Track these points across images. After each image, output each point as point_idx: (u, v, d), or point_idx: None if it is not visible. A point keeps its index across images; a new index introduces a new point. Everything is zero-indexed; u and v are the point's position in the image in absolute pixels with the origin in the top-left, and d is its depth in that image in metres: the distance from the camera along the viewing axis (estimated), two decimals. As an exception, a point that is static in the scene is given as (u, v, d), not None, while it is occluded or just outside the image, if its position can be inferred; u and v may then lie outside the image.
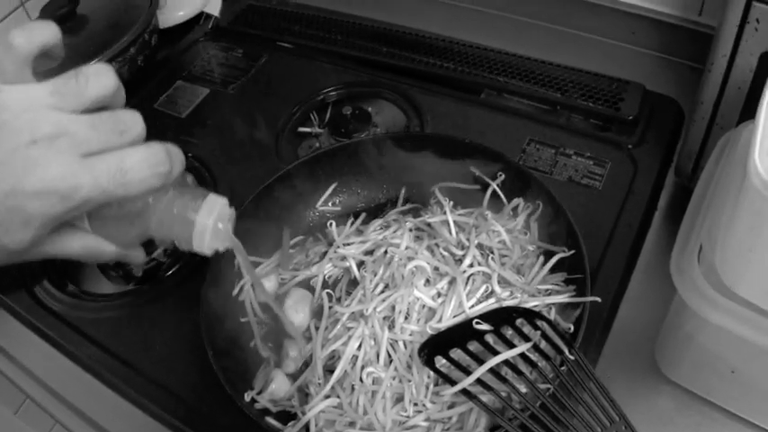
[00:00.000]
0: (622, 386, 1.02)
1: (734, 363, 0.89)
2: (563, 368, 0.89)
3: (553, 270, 1.03)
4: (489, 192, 1.12)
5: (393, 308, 1.00)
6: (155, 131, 1.47)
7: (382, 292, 1.02)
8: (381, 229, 1.14)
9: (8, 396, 1.74)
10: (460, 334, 0.94)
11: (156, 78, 1.70)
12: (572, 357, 0.89)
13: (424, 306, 1.00)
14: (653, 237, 1.20)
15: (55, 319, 1.25)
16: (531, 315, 0.94)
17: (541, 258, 1.05)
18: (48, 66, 0.80)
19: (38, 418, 1.80)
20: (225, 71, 1.68)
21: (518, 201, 1.11)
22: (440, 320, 0.98)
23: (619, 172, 1.26)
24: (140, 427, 1.12)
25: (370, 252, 1.11)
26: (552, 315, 0.98)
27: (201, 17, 1.84)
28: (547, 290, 1.01)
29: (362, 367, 0.96)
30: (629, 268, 1.15)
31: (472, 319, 0.96)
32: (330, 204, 1.24)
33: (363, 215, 1.20)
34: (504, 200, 1.12)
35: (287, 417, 0.99)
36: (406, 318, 0.99)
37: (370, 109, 1.47)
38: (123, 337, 1.20)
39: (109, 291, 1.32)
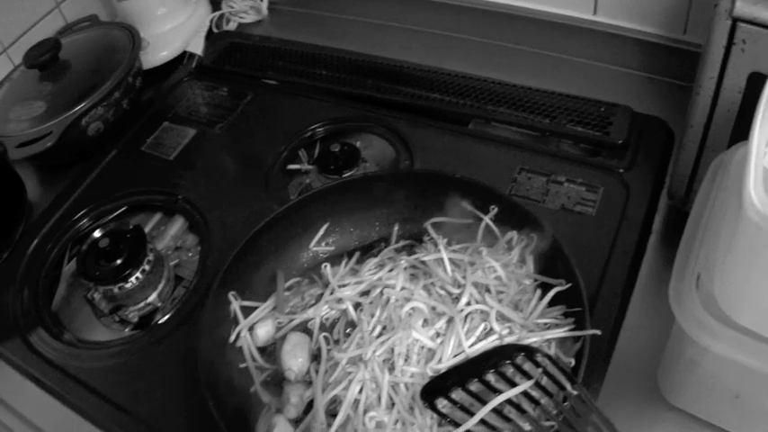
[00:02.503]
0: (626, 415, 1.01)
1: (738, 388, 0.88)
2: (566, 404, 0.88)
3: (551, 303, 1.03)
4: (482, 226, 1.12)
5: (392, 350, 0.99)
6: (143, 175, 1.50)
7: (380, 334, 1.01)
8: (376, 268, 1.13)
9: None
10: (461, 374, 0.94)
11: (141, 121, 1.70)
12: (575, 393, 0.89)
13: (423, 347, 0.99)
14: (649, 261, 1.19)
15: (51, 367, 1.25)
16: (532, 351, 0.94)
17: (538, 292, 1.04)
18: None
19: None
20: (211, 111, 1.67)
21: (512, 234, 1.10)
22: (440, 361, 0.97)
23: (611, 197, 1.26)
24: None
25: (366, 293, 1.10)
26: (552, 350, 0.97)
27: (185, 57, 1.83)
28: (546, 324, 1.01)
29: (365, 411, 0.95)
30: (627, 295, 1.14)
31: (472, 359, 0.96)
32: (323, 244, 1.24)
33: (357, 254, 1.19)
34: (498, 234, 1.11)
35: (291, 465, 0.98)
36: (405, 360, 0.98)
37: (358, 143, 1.46)
38: (121, 384, 1.20)
39: (105, 338, 1.32)
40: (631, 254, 1.17)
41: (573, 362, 0.95)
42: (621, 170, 1.29)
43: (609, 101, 1.41)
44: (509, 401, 0.90)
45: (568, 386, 0.89)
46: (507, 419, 0.88)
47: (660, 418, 1.01)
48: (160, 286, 1.33)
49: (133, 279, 1.28)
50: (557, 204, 1.26)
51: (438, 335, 1.01)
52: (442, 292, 1.06)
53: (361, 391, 0.97)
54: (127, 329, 1.33)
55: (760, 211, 0.66)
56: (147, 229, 1.47)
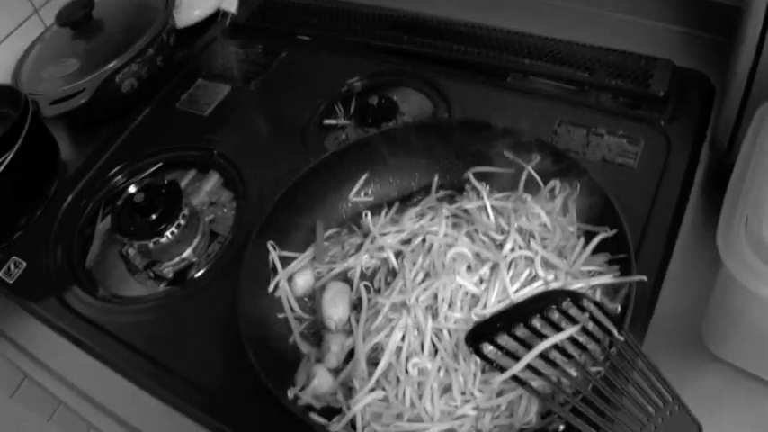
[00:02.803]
0: (668, 365, 0.97)
1: None
2: (612, 350, 0.87)
3: (595, 252, 1.01)
4: (525, 175, 1.10)
5: (435, 296, 0.98)
6: (178, 131, 1.49)
7: (423, 281, 1.00)
8: (417, 217, 1.12)
9: (41, 403, 1.74)
10: (507, 319, 0.93)
11: (176, 78, 1.70)
12: (621, 338, 0.88)
13: (467, 293, 0.98)
14: (691, 213, 1.17)
15: (87, 324, 1.25)
16: (578, 297, 0.92)
17: (582, 240, 1.03)
18: None
19: (71, 424, 1.80)
20: (245, 67, 1.67)
21: (555, 182, 1.09)
22: (484, 307, 0.96)
23: (653, 149, 1.24)
24: (178, 429, 1.12)
25: (407, 241, 1.08)
26: (597, 297, 0.96)
27: (218, 15, 1.83)
28: (590, 271, 0.99)
29: (407, 358, 0.94)
30: (670, 246, 1.13)
31: (518, 304, 0.95)
32: (363, 195, 1.23)
33: (397, 204, 1.19)
34: (541, 182, 1.09)
35: (332, 412, 0.98)
36: (449, 306, 0.97)
37: (395, 98, 1.45)
38: (156, 339, 1.20)
39: (139, 294, 1.32)
40: (674, 205, 1.16)
41: (619, 308, 0.94)
42: (662, 123, 1.27)
43: (649, 55, 1.38)
44: (555, 347, 0.88)
45: (615, 331, 0.88)
46: (554, 365, 0.87)
47: (704, 370, 1.00)
48: (195, 241, 1.33)
49: (168, 234, 1.28)
50: (597, 156, 1.24)
51: (482, 281, 0.99)
52: (486, 239, 1.04)
53: (403, 338, 0.96)
54: (162, 285, 1.33)
55: None
56: (182, 186, 1.45)
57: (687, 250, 1.13)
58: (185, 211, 1.30)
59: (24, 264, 1.38)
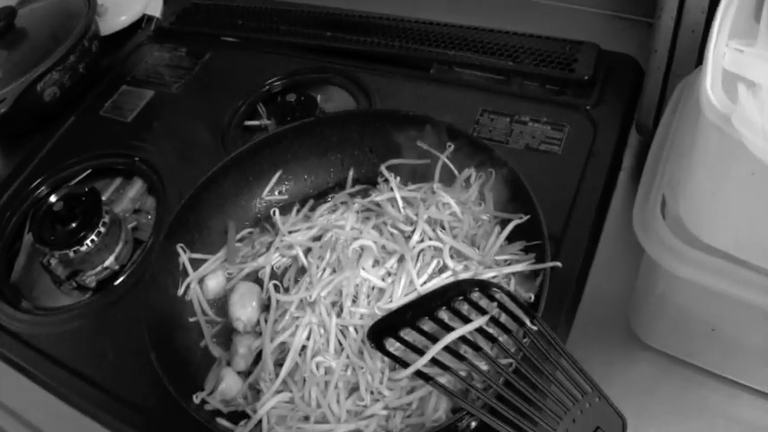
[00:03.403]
0: (599, 357, 0.99)
1: (713, 320, 0.85)
2: (526, 340, 0.84)
3: (513, 240, 0.98)
4: (439, 164, 1.08)
5: (340, 292, 0.95)
6: (102, 139, 1.47)
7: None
8: (329, 212, 1.10)
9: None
10: (412, 313, 0.90)
11: (100, 86, 1.68)
12: (534, 328, 0.84)
13: (373, 288, 0.96)
14: (619, 199, 1.17)
15: (11, 338, 1.23)
16: (487, 287, 0.89)
17: (497, 228, 1.00)
18: None
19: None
20: (169, 72, 1.65)
21: (470, 171, 1.06)
22: (390, 301, 0.93)
23: (578, 134, 1.22)
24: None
25: (318, 238, 1.06)
26: (512, 286, 0.93)
27: (143, 20, 1.82)
28: (506, 260, 0.97)
29: (313, 357, 0.92)
30: (596, 233, 1.12)
31: (422, 297, 0.92)
32: (277, 193, 1.20)
33: (311, 201, 1.16)
34: (456, 171, 1.07)
35: (242, 416, 0.95)
36: (354, 301, 0.95)
37: (319, 97, 1.44)
38: (78, 349, 1.18)
39: (63, 304, 1.30)
40: (600, 190, 1.14)
41: (532, 297, 0.91)
42: (588, 107, 1.26)
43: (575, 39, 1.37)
44: (465, 340, 0.85)
45: (527, 321, 0.85)
46: (462, 358, 0.84)
47: (634, 358, 0.98)
48: (117, 249, 1.30)
49: (88, 242, 1.25)
50: (521, 144, 1.23)
51: (389, 274, 0.97)
52: (395, 231, 1.02)
53: (309, 337, 0.93)
54: (86, 296, 1.30)
55: (719, 111, 0.62)
56: (107, 194, 1.45)
57: (616, 236, 1.12)
58: (105, 219, 1.28)
59: (-52, 279, 1.36)
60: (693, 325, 0.88)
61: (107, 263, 1.28)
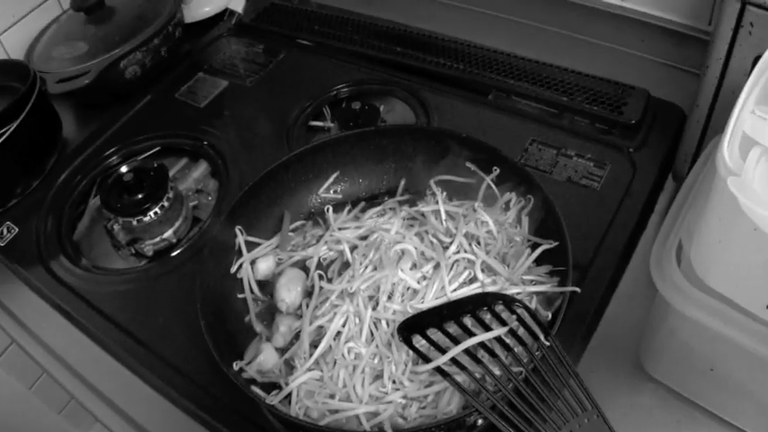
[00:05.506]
0: (606, 382, 1.04)
1: (712, 360, 0.89)
2: (538, 354, 0.90)
3: (541, 263, 1.05)
4: (484, 186, 1.15)
5: (378, 288, 1.03)
6: (174, 120, 1.54)
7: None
8: (377, 216, 1.17)
9: (24, 371, 1.79)
10: (440, 315, 0.97)
11: (178, 70, 1.76)
12: (547, 344, 0.91)
13: (408, 288, 1.03)
14: (648, 239, 1.21)
15: (67, 290, 1.31)
16: (510, 301, 0.96)
17: (528, 250, 1.07)
18: None
19: (52, 393, 1.85)
20: (244, 65, 1.72)
21: (510, 195, 1.13)
22: (422, 302, 1.01)
23: (618, 174, 1.27)
24: (143, 396, 1.16)
25: (364, 237, 1.14)
26: (533, 304, 1.00)
27: (226, 13, 1.89)
28: (531, 280, 1.04)
29: (345, 342, 1.00)
30: (621, 266, 1.17)
31: (451, 302, 0.99)
32: (332, 192, 1.27)
33: (362, 203, 1.24)
34: (498, 193, 1.14)
35: (272, 387, 1.02)
36: (389, 297, 1.02)
37: (381, 107, 1.50)
38: (129, 310, 1.25)
39: (119, 267, 1.37)
40: (630, 229, 1.19)
41: (550, 316, 0.98)
42: (631, 149, 1.31)
43: (627, 83, 1.42)
44: (483, 346, 0.92)
45: (542, 336, 0.91)
46: (479, 362, 0.91)
47: (638, 387, 1.04)
48: (177, 224, 1.38)
49: (152, 213, 1.33)
50: (563, 176, 1.28)
51: (424, 278, 1.04)
52: (434, 240, 1.10)
53: (345, 324, 1.02)
54: (142, 263, 1.37)
55: (731, 170, 0.67)
56: (172, 171, 1.52)
57: (639, 272, 1.17)
58: (170, 194, 1.35)
59: (16, 229, 1.44)
60: (695, 363, 0.92)
61: (166, 235, 1.36)
